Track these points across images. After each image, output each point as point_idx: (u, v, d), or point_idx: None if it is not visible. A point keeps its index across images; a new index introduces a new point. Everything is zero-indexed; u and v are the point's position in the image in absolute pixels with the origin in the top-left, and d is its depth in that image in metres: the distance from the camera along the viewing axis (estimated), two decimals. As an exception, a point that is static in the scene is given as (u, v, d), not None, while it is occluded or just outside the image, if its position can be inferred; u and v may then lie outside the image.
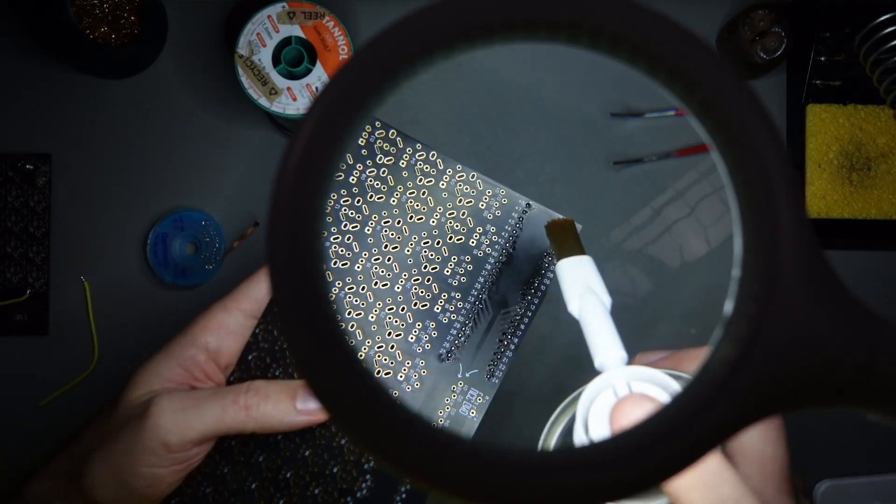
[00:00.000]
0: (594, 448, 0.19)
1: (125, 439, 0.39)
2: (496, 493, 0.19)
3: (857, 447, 0.58)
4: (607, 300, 0.36)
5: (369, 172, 0.44)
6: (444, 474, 0.19)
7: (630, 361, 0.33)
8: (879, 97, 0.53)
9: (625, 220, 0.56)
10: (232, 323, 0.42)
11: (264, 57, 0.49)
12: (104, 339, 0.54)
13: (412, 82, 0.21)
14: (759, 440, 0.33)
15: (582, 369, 0.55)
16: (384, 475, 0.43)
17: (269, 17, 0.49)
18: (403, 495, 0.43)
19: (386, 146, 0.45)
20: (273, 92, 0.49)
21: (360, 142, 0.45)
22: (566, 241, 0.39)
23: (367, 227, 0.44)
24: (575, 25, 0.20)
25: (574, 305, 0.36)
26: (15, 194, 0.54)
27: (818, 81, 0.55)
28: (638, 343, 0.56)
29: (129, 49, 0.51)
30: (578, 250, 0.38)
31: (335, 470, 0.43)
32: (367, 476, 0.43)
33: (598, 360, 0.33)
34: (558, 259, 0.38)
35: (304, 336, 0.20)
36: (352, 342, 0.20)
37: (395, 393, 0.44)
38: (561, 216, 0.44)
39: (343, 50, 0.49)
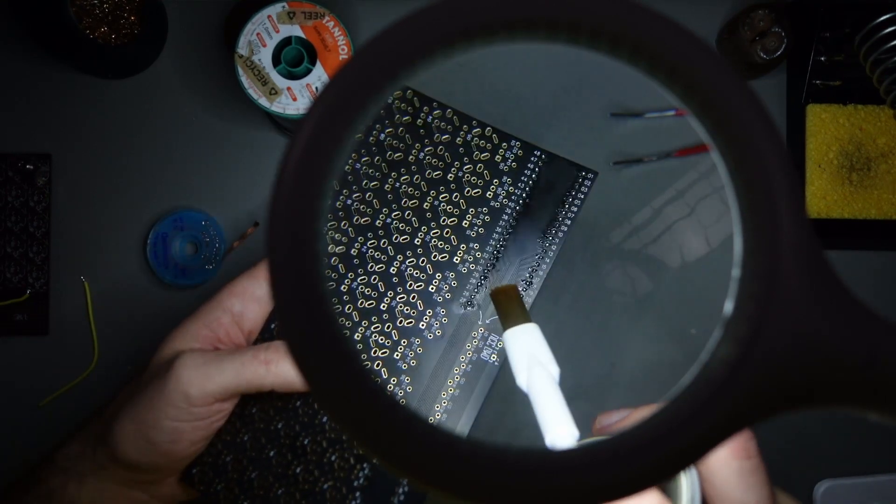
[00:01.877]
0: (594, 448, 0.19)
1: (150, 393, 0.41)
2: (495, 492, 0.19)
3: (857, 447, 0.58)
4: (555, 371, 0.36)
5: (388, 132, 0.46)
6: (443, 474, 0.19)
7: (591, 423, 0.33)
8: (879, 97, 0.53)
9: (625, 220, 0.56)
10: (257, 290, 0.43)
11: (264, 57, 0.49)
12: (104, 339, 0.54)
13: (412, 79, 0.21)
14: (740, 487, 0.33)
15: (586, 369, 0.55)
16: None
17: (269, 17, 0.49)
18: (405, 488, 0.44)
19: (403, 106, 0.46)
20: (273, 92, 0.49)
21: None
22: (511, 308, 0.39)
23: (387, 185, 0.45)
24: (575, 25, 0.20)
25: (522, 378, 0.36)
26: (15, 194, 0.54)
27: (818, 81, 0.55)
28: (637, 343, 0.56)
29: (129, 49, 0.51)
30: (523, 318, 0.38)
31: (333, 458, 0.44)
32: (365, 465, 0.44)
33: (549, 438, 0.33)
34: (504, 329, 0.38)
35: (304, 336, 0.20)
36: (352, 342, 0.20)
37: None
38: (504, 284, 0.44)
39: (343, 50, 0.49)
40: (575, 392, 0.56)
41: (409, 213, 0.45)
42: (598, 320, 0.56)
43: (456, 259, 0.45)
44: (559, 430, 0.33)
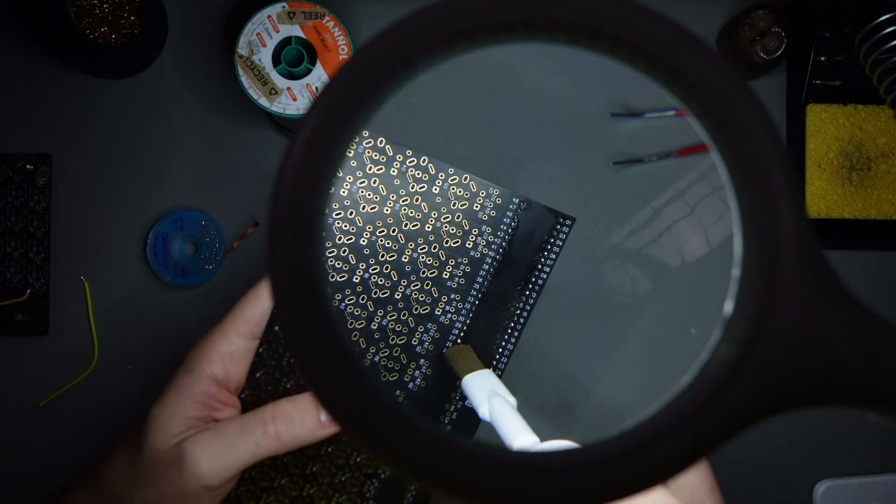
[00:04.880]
0: (594, 448, 0.19)
1: (166, 489, 0.41)
2: (495, 492, 0.19)
3: (857, 447, 0.58)
4: (513, 400, 0.40)
5: (360, 184, 0.44)
6: (443, 474, 0.19)
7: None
8: (879, 97, 0.53)
9: (625, 220, 0.56)
10: (234, 350, 0.43)
11: (264, 57, 0.49)
12: (104, 339, 0.54)
13: (411, 83, 0.21)
14: (694, 477, 0.38)
15: (582, 366, 0.55)
16: None
17: (269, 17, 0.49)
18: None
19: (375, 156, 0.44)
20: (273, 92, 0.49)
21: (348, 153, 0.44)
22: (466, 361, 0.43)
23: (362, 239, 0.44)
24: (575, 26, 0.20)
25: (484, 409, 0.40)
26: (15, 194, 0.54)
27: (818, 81, 0.55)
28: (638, 343, 0.56)
29: (129, 49, 0.51)
30: (478, 367, 0.42)
31: (358, 459, 0.44)
32: None
33: (517, 445, 0.37)
34: (462, 378, 0.42)
35: (304, 336, 0.20)
36: (351, 343, 0.20)
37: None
38: (458, 343, 0.46)
39: (343, 50, 0.49)
40: (576, 393, 0.56)
41: (387, 268, 0.44)
42: (598, 320, 0.56)
43: (437, 311, 0.45)
44: (523, 438, 0.37)
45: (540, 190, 0.56)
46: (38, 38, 0.53)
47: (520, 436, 0.37)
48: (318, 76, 0.49)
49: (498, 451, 0.19)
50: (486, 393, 0.40)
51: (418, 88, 0.55)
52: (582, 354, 0.56)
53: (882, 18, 0.51)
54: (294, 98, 0.49)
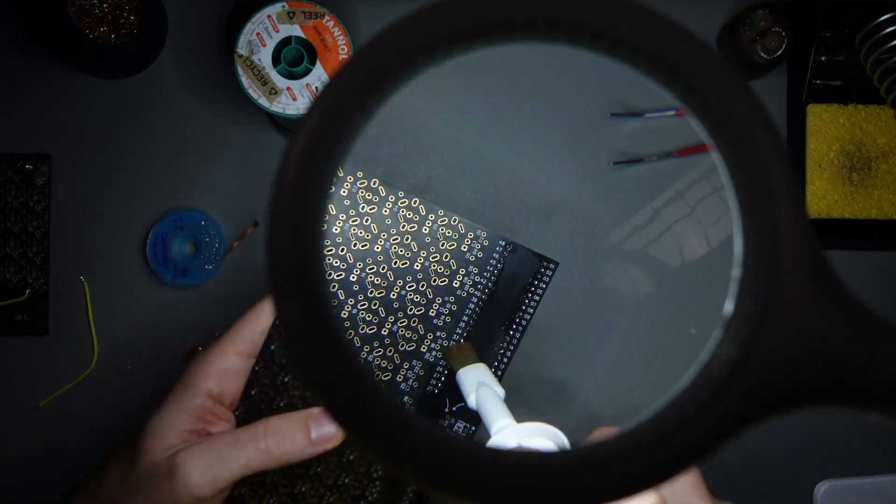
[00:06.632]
0: (595, 448, 0.19)
1: (158, 499, 0.41)
2: (495, 492, 0.19)
3: (857, 447, 0.58)
4: (500, 391, 0.42)
5: (352, 222, 0.45)
6: (443, 474, 0.19)
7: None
8: (879, 97, 0.53)
9: (625, 220, 0.56)
10: (231, 366, 0.43)
11: (264, 57, 0.49)
12: (104, 339, 0.54)
13: (411, 83, 0.21)
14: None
15: (577, 367, 0.55)
16: (392, 480, 0.45)
17: (269, 16, 0.49)
18: (411, 496, 0.45)
19: (368, 195, 0.46)
20: (273, 92, 0.49)
21: (342, 192, 0.46)
22: (466, 356, 0.45)
23: (352, 275, 0.45)
24: (575, 26, 0.20)
25: (472, 399, 0.42)
26: (15, 194, 0.54)
27: (818, 81, 0.55)
28: (638, 343, 0.56)
29: (129, 49, 0.51)
30: (475, 361, 0.45)
31: (347, 481, 0.45)
32: (377, 482, 0.45)
33: (495, 427, 0.39)
34: (457, 371, 0.44)
35: (303, 336, 0.19)
36: (351, 343, 0.20)
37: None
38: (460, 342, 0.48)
39: (343, 50, 0.49)
40: (575, 394, 0.56)
41: (375, 304, 0.45)
42: (598, 320, 0.56)
43: (423, 348, 0.46)
44: (503, 420, 0.39)
45: (539, 190, 0.56)
46: (38, 38, 0.53)
47: (498, 419, 0.39)
48: (318, 76, 0.49)
49: (498, 451, 0.19)
50: (476, 384, 0.42)
51: (418, 88, 0.55)
52: (581, 354, 0.56)
53: (882, 18, 0.51)
54: (294, 98, 0.49)
